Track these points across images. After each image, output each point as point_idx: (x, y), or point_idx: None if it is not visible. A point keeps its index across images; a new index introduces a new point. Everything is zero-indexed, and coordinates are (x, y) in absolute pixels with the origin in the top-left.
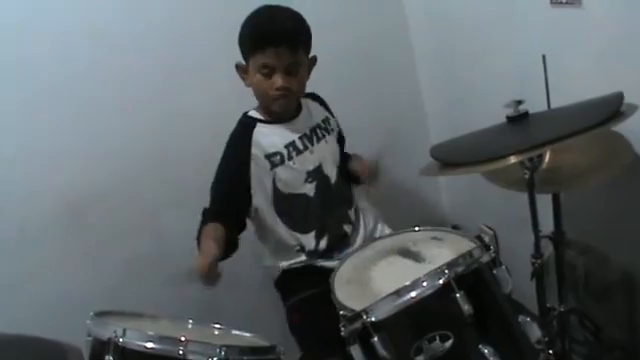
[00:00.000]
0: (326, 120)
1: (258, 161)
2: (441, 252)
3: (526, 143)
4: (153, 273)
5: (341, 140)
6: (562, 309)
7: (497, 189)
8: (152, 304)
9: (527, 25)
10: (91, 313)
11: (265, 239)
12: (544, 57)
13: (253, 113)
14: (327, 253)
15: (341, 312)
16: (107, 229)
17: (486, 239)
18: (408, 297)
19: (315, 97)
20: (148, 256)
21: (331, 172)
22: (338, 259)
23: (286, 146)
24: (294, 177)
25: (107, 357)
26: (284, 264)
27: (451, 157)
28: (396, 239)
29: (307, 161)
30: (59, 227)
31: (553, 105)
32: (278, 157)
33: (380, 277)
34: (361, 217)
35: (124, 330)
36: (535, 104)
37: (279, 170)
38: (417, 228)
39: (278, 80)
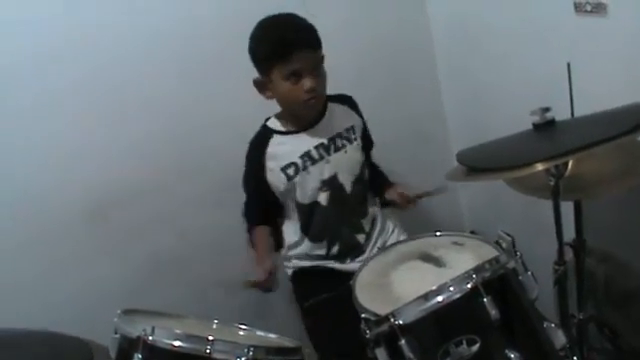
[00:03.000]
0: (350, 129)
1: (274, 173)
2: (462, 257)
3: (552, 151)
4: (174, 271)
5: (368, 145)
6: (581, 317)
7: (516, 195)
8: (173, 302)
9: (551, 33)
10: (118, 311)
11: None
12: (569, 65)
13: (272, 122)
14: (338, 258)
15: (363, 315)
16: (128, 227)
17: (504, 245)
18: (435, 301)
19: (345, 100)
20: (169, 254)
21: (346, 181)
22: (349, 263)
23: (301, 156)
24: (309, 186)
25: (136, 355)
26: (296, 263)
27: (477, 163)
28: (417, 243)
29: (322, 170)
30: (81, 225)
31: (577, 113)
32: (293, 168)
33: (401, 281)
34: (377, 226)
35: (153, 328)
36: (559, 112)
37: (296, 182)
38: (438, 233)
39: (307, 82)
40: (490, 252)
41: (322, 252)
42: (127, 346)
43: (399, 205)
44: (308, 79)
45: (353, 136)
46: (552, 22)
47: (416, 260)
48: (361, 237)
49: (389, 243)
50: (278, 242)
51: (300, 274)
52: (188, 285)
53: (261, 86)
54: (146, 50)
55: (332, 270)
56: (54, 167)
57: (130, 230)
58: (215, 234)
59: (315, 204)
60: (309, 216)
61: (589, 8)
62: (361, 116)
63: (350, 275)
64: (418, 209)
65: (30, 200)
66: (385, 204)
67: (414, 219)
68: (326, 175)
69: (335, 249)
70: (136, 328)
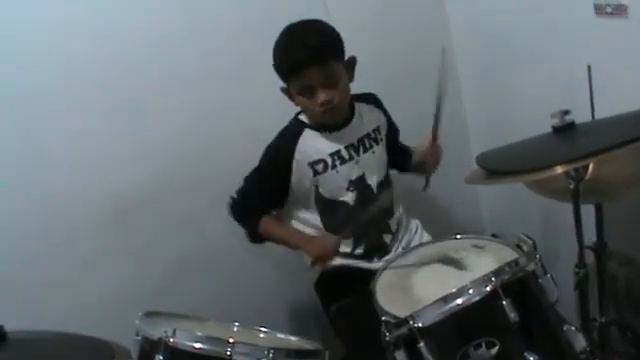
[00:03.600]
0: (377, 129)
1: (300, 166)
2: (482, 260)
3: (572, 153)
4: (196, 273)
5: (394, 133)
6: (603, 320)
7: (537, 198)
8: (195, 304)
9: (572, 35)
10: (140, 313)
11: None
12: (589, 67)
13: (304, 116)
14: (364, 257)
15: (383, 318)
16: (152, 229)
17: (525, 248)
18: (455, 303)
19: (370, 99)
20: (192, 256)
21: (374, 182)
22: (377, 262)
23: (331, 154)
24: (336, 185)
25: (157, 357)
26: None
27: (497, 165)
28: (437, 246)
29: (351, 170)
30: (105, 227)
31: (597, 115)
32: (322, 165)
33: (422, 284)
34: (403, 226)
35: (174, 330)
36: (579, 114)
37: (322, 177)
38: (459, 236)
39: (321, 96)
40: (511, 255)
41: (347, 249)
42: (148, 348)
43: (430, 161)
44: (321, 93)
45: (379, 136)
46: (572, 24)
47: (437, 263)
48: (387, 237)
49: (412, 244)
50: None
51: (325, 276)
52: (210, 287)
53: (287, 93)
54: (169, 56)
55: (358, 269)
56: (79, 169)
57: (153, 232)
58: (237, 235)
59: (341, 203)
60: (331, 214)
61: (609, 10)
62: (385, 112)
63: (375, 274)
64: (439, 212)
65: (55, 202)
66: (419, 170)
67: (435, 221)
68: (354, 175)
69: (361, 248)
70: (157, 330)
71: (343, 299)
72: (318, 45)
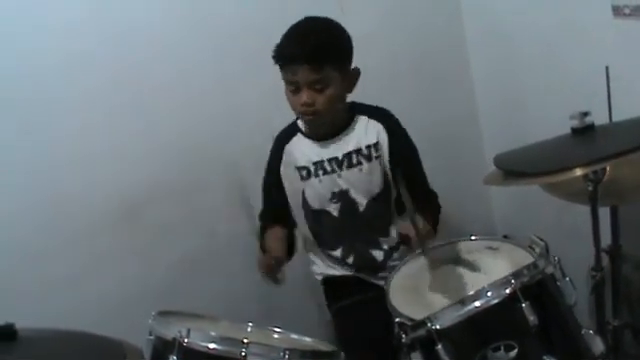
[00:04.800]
0: (374, 146)
1: (289, 171)
2: (496, 262)
3: (591, 156)
4: (205, 272)
5: (401, 161)
6: (616, 323)
7: (549, 200)
8: (203, 303)
9: (589, 36)
10: (153, 312)
11: (306, 239)
12: (607, 69)
13: (301, 122)
14: (360, 270)
15: (397, 319)
16: (157, 228)
17: (537, 250)
18: (473, 306)
19: (378, 114)
20: (199, 255)
21: (360, 200)
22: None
23: (315, 163)
24: (319, 194)
25: (171, 357)
26: (324, 269)
27: (515, 167)
28: (451, 248)
29: (333, 183)
30: (109, 226)
31: (615, 118)
32: (305, 172)
33: (436, 285)
34: (401, 249)
35: (188, 330)
36: (596, 116)
37: (307, 184)
38: (473, 237)
39: (302, 96)
40: (524, 257)
41: (337, 255)
42: (162, 348)
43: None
44: (304, 93)
45: (375, 154)
46: (590, 25)
47: (450, 264)
48: (377, 253)
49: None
50: (290, 248)
51: (329, 279)
52: (218, 286)
53: None
54: (178, 52)
55: (360, 279)
56: (84, 167)
57: (157, 231)
58: (245, 235)
59: (325, 213)
60: (317, 223)
61: (628, 11)
62: (394, 135)
63: (380, 286)
64: (450, 213)
65: (59, 200)
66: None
67: (445, 224)
68: (337, 189)
69: (350, 259)
70: (171, 330)
71: (346, 301)
72: (316, 47)
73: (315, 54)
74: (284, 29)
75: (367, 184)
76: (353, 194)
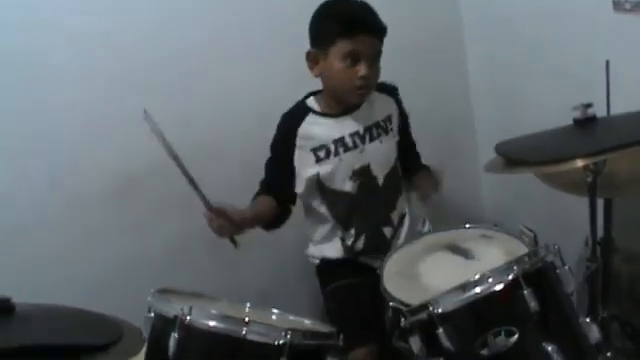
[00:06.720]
0: (388, 119)
1: (302, 152)
2: (491, 250)
3: (594, 147)
4: (201, 251)
5: (407, 143)
6: (605, 315)
7: (541, 189)
8: (194, 282)
9: (590, 30)
10: (152, 290)
11: (309, 223)
12: (607, 63)
13: (310, 101)
14: (365, 253)
15: (391, 304)
16: (154, 204)
17: (526, 240)
18: (475, 291)
19: (384, 87)
20: (196, 234)
21: (379, 173)
22: (379, 259)
23: (334, 141)
24: (338, 173)
25: (172, 334)
26: (325, 253)
27: (517, 155)
28: (445, 235)
29: (355, 159)
30: (106, 199)
31: (613, 112)
32: (324, 151)
33: (430, 272)
34: (406, 223)
35: (190, 308)
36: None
37: (324, 164)
38: (467, 225)
39: (362, 69)
40: (518, 246)
41: (349, 242)
42: (162, 325)
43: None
44: (365, 65)
45: (390, 126)
46: (591, 20)
47: (444, 251)
48: (388, 230)
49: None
50: (275, 220)
51: (326, 262)
52: (209, 266)
53: (313, 60)
54: (181, 26)
55: (359, 263)
56: (83, 139)
57: (156, 206)
58: None
59: (342, 192)
60: (334, 204)
61: (628, 7)
62: (399, 102)
63: (376, 270)
64: (441, 202)
65: (56, 172)
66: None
67: (435, 213)
68: (358, 165)
69: (361, 242)
70: (173, 307)
71: (340, 282)
72: (379, 18)
73: (382, 27)
74: (281, 15)
75: (386, 157)
76: (373, 169)
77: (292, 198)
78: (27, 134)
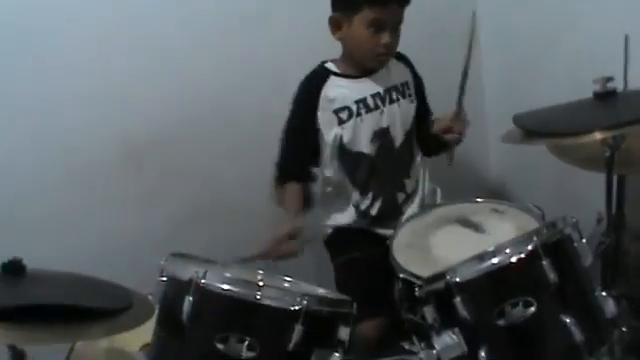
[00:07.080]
0: (405, 84)
1: (325, 114)
2: (502, 224)
3: (614, 120)
4: (206, 222)
5: (423, 111)
6: (614, 293)
7: (550, 164)
8: (207, 249)
9: (607, 5)
10: (167, 254)
11: (323, 191)
12: (627, 37)
13: (329, 65)
14: (378, 220)
15: (401, 275)
16: (162, 174)
17: (537, 216)
18: (495, 261)
19: (402, 57)
20: (203, 201)
21: (398, 135)
22: (391, 228)
23: (356, 102)
24: (360, 134)
25: (187, 297)
26: (338, 220)
27: (535, 127)
28: (456, 208)
29: (375, 120)
30: (111, 167)
31: (630, 87)
32: (346, 112)
33: (441, 244)
34: (419, 191)
35: (205, 271)
36: None
37: (346, 125)
38: (478, 199)
39: (386, 37)
40: (530, 221)
41: (364, 206)
42: (176, 289)
43: (454, 130)
44: (389, 34)
45: (407, 91)
46: None
47: (455, 224)
48: (401, 197)
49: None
50: (308, 201)
51: (337, 232)
52: (217, 236)
53: (336, 24)
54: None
55: (370, 232)
56: (88, 104)
57: (162, 175)
58: (248, 187)
59: (362, 155)
60: (353, 167)
61: None
62: (417, 76)
63: (386, 239)
64: (447, 177)
65: (62, 136)
66: (442, 142)
67: (443, 185)
68: (378, 127)
69: (376, 207)
70: (188, 271)
71: (351, 254)
72: None
73: None
74: None
75: (404, 120)
76: (392, 131)
77: (312, 175)
78: (32, 96)
